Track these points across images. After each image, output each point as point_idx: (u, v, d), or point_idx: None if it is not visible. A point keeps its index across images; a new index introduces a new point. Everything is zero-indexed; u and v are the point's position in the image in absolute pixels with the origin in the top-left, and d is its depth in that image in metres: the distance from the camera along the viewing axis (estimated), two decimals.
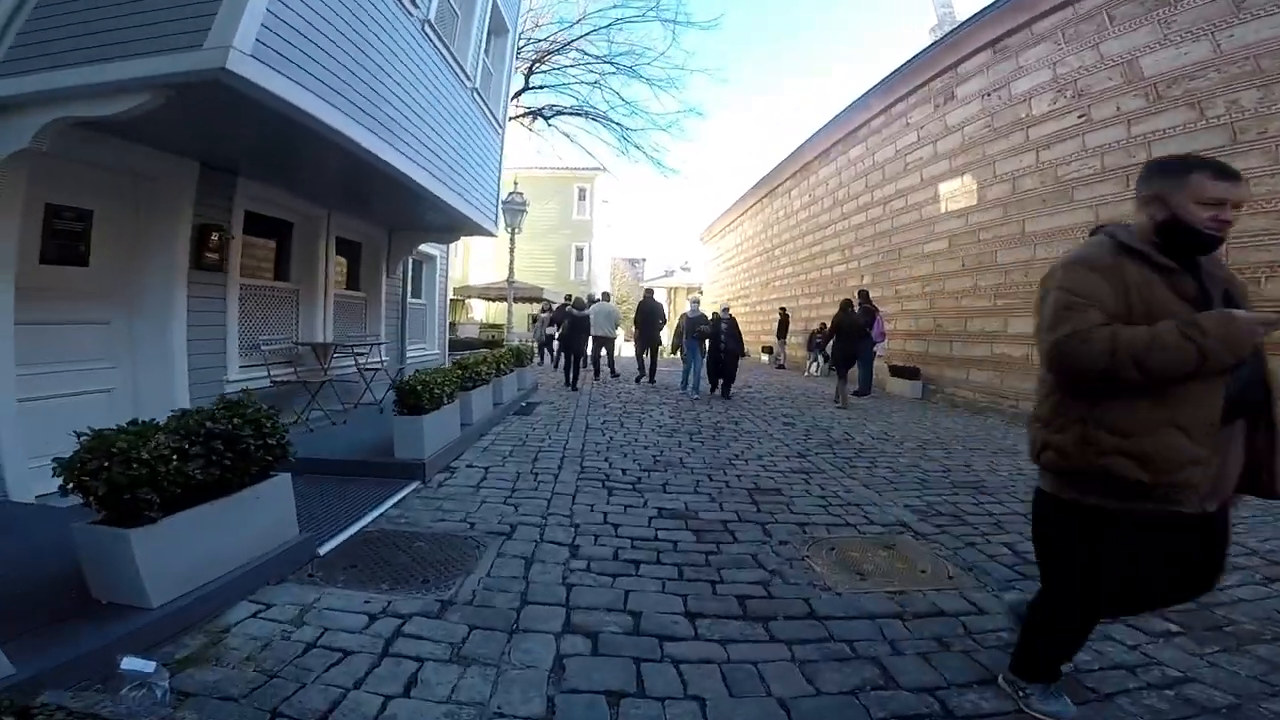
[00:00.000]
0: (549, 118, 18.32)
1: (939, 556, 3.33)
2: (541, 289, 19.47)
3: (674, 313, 18.89)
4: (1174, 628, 2.51)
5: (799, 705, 1.98)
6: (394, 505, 3.83)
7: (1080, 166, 7.93)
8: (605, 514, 3.84)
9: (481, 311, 24.69)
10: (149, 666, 1.82)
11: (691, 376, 10.11)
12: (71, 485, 1.97)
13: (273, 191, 5.67)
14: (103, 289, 4.19)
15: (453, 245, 10.73)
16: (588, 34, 17.60)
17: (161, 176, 4.45)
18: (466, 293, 20.33)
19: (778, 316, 16.85)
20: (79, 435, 2.01)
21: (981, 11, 9.48)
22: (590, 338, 11.49)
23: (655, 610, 2.59)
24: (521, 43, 15.13)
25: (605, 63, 17.87)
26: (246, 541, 2.52)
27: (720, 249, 26.97)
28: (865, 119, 13.29)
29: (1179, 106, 6.77)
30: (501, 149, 8.68)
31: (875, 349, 10.55)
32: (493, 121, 7.97)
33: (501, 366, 7.43)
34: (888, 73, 12.14)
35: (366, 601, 2.52)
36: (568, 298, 13.87)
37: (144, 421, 2.17)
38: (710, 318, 10.44)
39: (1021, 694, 1.97)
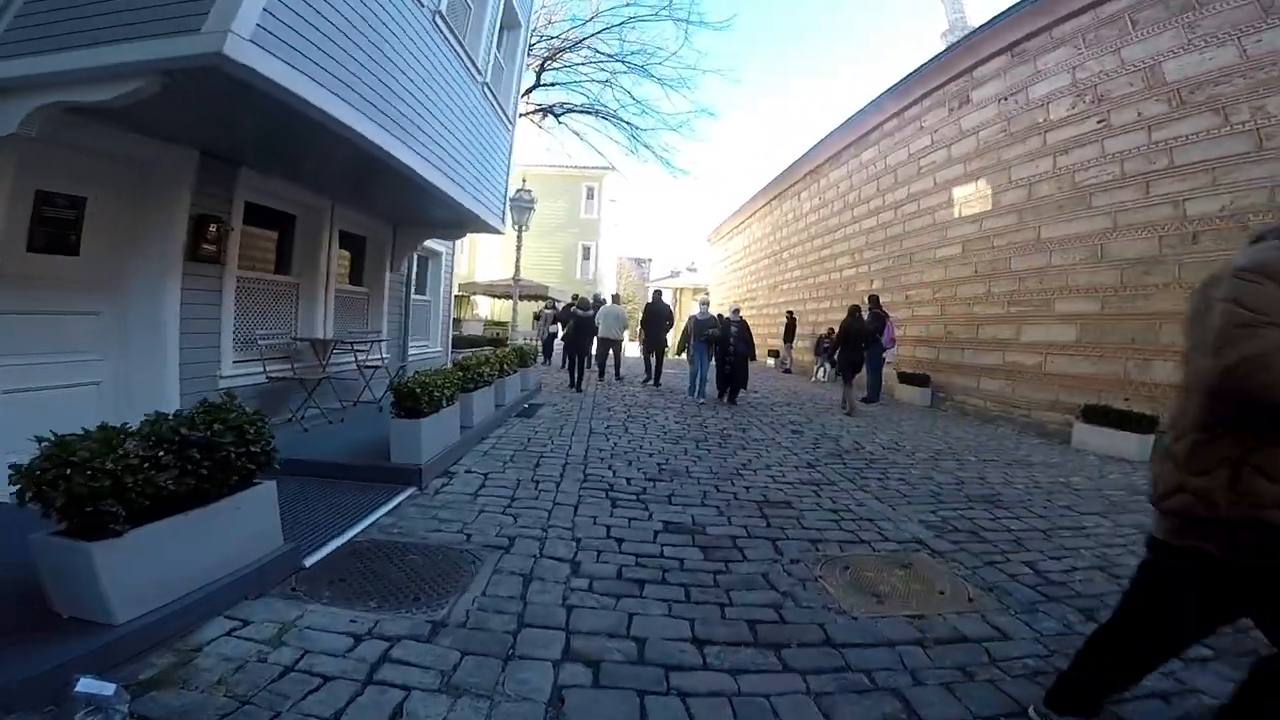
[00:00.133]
0: (559, 115, 18.20)
1: (958, 576, 3.21)
2: (547, 287, 19.32)
3: (680, 314, 18.73)
4: (1207, 652, 2.36)
5: None
6: (388, 513, 3.68)
7: (1099, 172, 7.76)
8: (608, 527, 3.68)
9: (487, 308, 24.58)
10: (107, 689, 1.69)
11: (698, 381, 9.74)
12: (30, 495, 1.81)
13: (275, 183, 5.52)
14: (93, 279, 4.05)
15: (460, 240, 10.58)
16: (600, 32, 17.48)
17: (159, 165, 4.30)
18: (472, 289, 20.22)
19: (785, 320, 16.67)
20: (40, 440, 1.86)
21: (1000, 15, 9.31)
22: (596, 339, 11.32)
23: (661, 636, 2.44)
24: (534, 39, 15.00)
25: (617, 61, 17.75)
26: (225, 554, 2.36)
27: (728, 251, 26.81)
28: (878, 121, 13.11)
29: (1202, 112, 6.60)
30: (511, 146, 8.52)
31: (885, 355, 10.37)
32: (503, 117, 7.82)
33: (505, 367, 7.27)
34: (902, 76, 12.00)
35: (352, 621, 2.36)
36: (574, 298, 13.73)
37: (114, 426, 2.01)
38: (719, 319, 10.13)
39: None
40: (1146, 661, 1.76)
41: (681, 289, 33.48)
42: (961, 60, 10.31)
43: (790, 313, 16.78)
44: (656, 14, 21.06)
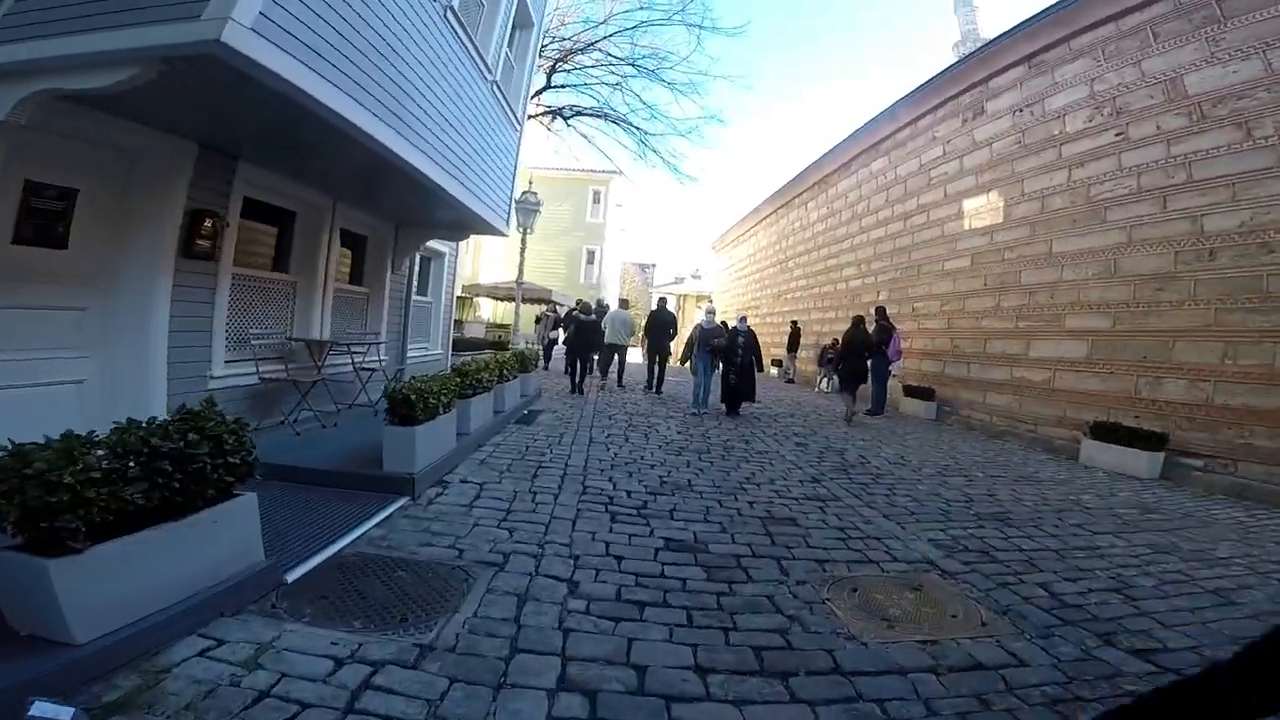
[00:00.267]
0: (568, 118, 18.15)
1: (969, 599, 3.08)
2: (550, 290, 19.17)
3: (684, 321, 18.58)
4: None
5: None
6: (377, 525, 3.52)
7: (1115, 186, 7.62)
8: (608, 544, 3.53)
9: (489, 310, 24.45)
10: (64, 713, 1.58)
11: (700, 392, 9.34)
12: None
13: (276, 178, 5.40)
14: (81, 273, 3.92)
15: (465, 241, 10.45)
16: (612, 35, 17.46)
17: (155, 156, 4.18)
18: (475, 290, 20.08)
19: (789, 329, 16.54)
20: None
21: (1018, 26, 9.20)
22: (601, 344, 11.16)
23: (662, 664, 2.29)
24: (545, 40, 14.93)
25: (628, 65, 17.70)
26: (200, 569, 2.22)
27: (733, 258, 26.68)
28: (889, 131, 13.00)
29: (1224, 126, 6.47)
30: (519, 147, 8.42)
31: (890, 367, 10.23)
32: (511, 118, 7.71)
33: (505, 372, 7.12)
34: (916, 85, 11.90)
35: (334, 643, 2.21)
36: (578, 303, 13.60)
37: (78, 435, 1.86)
38: (726, 328, 9.83)
39: None
40: None
41: (685, 295, 33.34)
42: (977, 71, 10.20)
43: (795, 322, 16.65)
44: (669, 18, 20.99)
